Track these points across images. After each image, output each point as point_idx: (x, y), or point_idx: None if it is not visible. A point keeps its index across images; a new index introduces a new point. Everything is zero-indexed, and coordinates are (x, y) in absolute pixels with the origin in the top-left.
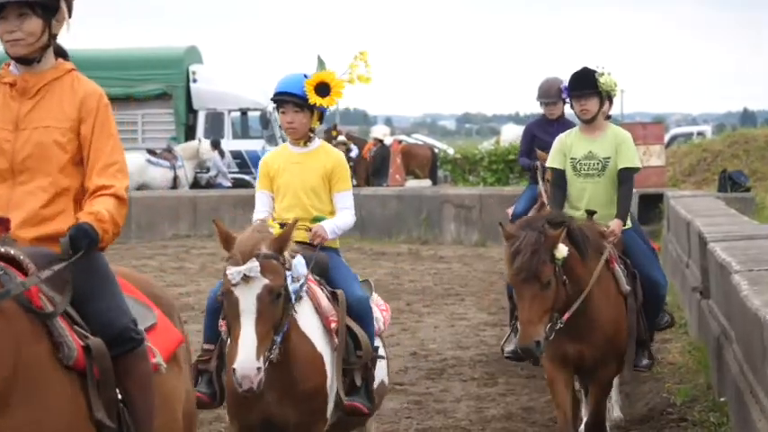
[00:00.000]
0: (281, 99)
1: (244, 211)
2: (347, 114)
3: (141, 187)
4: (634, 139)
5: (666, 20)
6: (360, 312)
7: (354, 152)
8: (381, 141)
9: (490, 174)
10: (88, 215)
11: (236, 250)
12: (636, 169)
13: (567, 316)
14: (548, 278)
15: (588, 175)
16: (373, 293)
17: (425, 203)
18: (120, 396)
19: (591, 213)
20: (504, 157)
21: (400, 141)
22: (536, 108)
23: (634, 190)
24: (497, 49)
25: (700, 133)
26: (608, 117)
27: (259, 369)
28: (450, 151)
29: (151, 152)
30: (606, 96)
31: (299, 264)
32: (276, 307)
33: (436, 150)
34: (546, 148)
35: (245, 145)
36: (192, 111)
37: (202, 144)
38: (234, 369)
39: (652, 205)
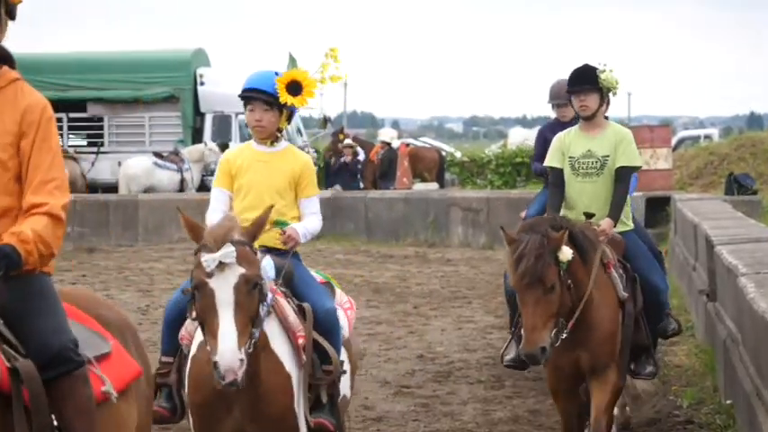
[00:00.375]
0: (250, 96)
1: None
2: (354, 117)
3: (148, 190)
4: (641, 142)
5: (675, 22)
6: (328, 326)
7: (361, 155)
8: (389, 144)
9: (497, 177)
10: (11, 236)
11: (209, 237)
12: (635, 168)
13: (571, 323)
14: (552, 282)
15: (587, 174)
16: (337, 291)
17: (432, 206)
18: (56, 422)
19: (589, 216)
20: (511, 160)
21: (408, 144)
22: (543, 111)
23: (641, 193)
24: (505, 51)
25: (707, 136)
26: (606, 118)
27: (242, 361)
28: (458, 154)
29: (158, 155)
30: (606, 94)
31: (268, 265)
32: (253, 298)
33: (443, 153)
34: None
35: None
36: (199, 113)
37: (209, 147)
38: (216, 362)
39: (659, 208)
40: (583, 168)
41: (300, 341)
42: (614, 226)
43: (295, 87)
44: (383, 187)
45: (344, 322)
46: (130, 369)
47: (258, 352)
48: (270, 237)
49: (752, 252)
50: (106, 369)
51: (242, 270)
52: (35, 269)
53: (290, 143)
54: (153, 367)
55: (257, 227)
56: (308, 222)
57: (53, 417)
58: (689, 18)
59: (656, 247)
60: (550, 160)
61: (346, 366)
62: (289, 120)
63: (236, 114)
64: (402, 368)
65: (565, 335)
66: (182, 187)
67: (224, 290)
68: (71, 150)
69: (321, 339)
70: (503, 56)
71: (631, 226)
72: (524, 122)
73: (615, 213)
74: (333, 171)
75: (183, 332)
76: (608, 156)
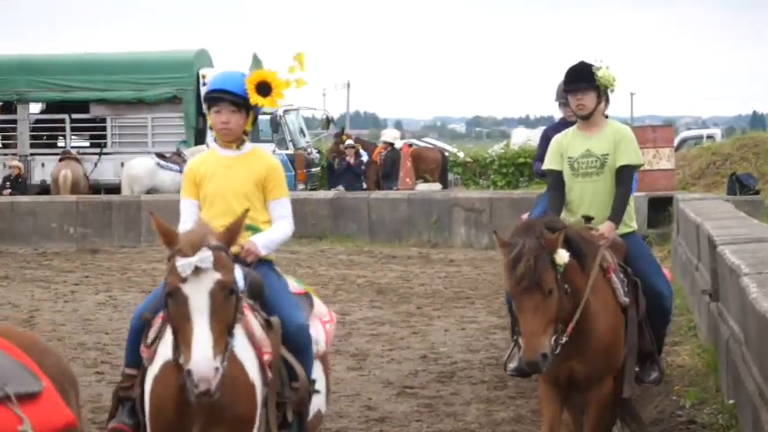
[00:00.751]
0: (217, 97)
1: None
2: (357, 118)
3: (151, 191)
4: (644, 142)
5: (678, 22)
6: (298, 343)
7: (364, 156)
8: (391, 145)
9: (500, 177)
10: None
11: (184, 242)
12: (636, 167)
13: (570, 327)
14: (550, 286)
15: (587, 174)
16: (315, 303)
17: (435, 207)
18: None
19: (588, 219)
20: (514, 161)
21: (410, 145)
22: (546, 111)
23: (643, 193)
24: (508, 52)
25: (709, 136)
26: (606, 117)
27: (217, 369)
28: (461, 154)
29: (161, 156)
30: (604, 92)
31: (238, 276)
32: (229, 305)
33: (446, 154)
34: None
35: None
36: (202, 114)
37: (211, 148)
38: (189, 371)
39: (661, 208)
40: (582, 168)
41: (266, 357)
42: (616, 229)
43: (265, 88)
44: (386, 188)
45: (321, 336)
46: (62, 416)
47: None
48: (234, 249)
49: (754, 252)
50: (30, 409)
51: (218, 276)
52: None
53: (255, 145)
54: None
55: (233, 232)
56: (274, 230)
57: None
58: (691, 18)
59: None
60: (549, 163)
61: (320, 385)
62: (254, 122)
63: None
64: (405, 369)
65: (564, 339)
66: None
67: (199, 296)
68: (74, 151)
69: (289, 357)
70: (505, 56)
71: (634, 227)
72: (527, 123)
73: (617, 216)
74: (336, 172)
75: (142, 346)
76: (608, 154)
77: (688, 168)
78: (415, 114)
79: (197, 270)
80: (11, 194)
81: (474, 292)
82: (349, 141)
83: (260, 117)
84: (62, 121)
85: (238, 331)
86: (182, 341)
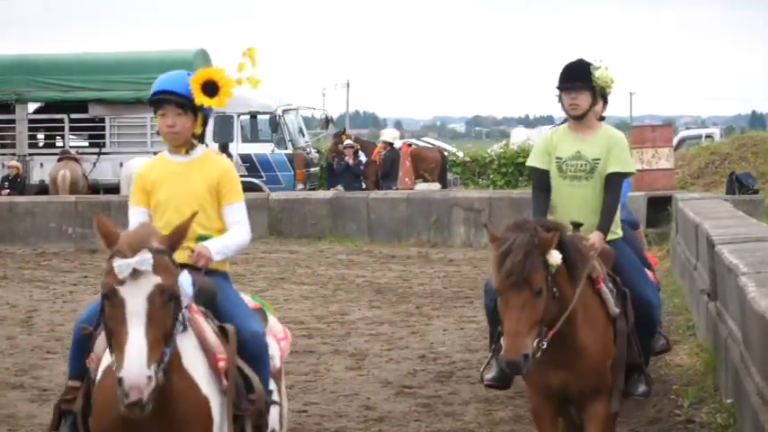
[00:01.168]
0: (162, 99)
1: (253, 214)
2: (357, 117)
3: None
4: (643, 141)
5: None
6: (254, 351)
7: (362, 157)
8: (391, 144)
9: (500, 177)
10: None
11: (123, 243)
12: (627, 175)
13: (552, 333)
14: (539, 285)
15: (575, 178)
16: (269, 319)
17: (435, 206)
18: None
19: (576, 225)
20: (513, 160)
21: (410, 144)
22: (546, 111)
23: (643, 192)
24: (507, 51)
25: (708, 136)
26: (601, 120)
27: (150, 378)
28: (460, 154)
29: None
30: (600, 93)
31: (185, 281)
32: (168, 311)
33: (446, 153)
34: None
35: (254, 148)
36: None
37: (209, 148)
38: (120, 378)
39: (661, 208)
40: (571, 171)
41: (221, 364)
42: (605, 239)
43: (211, 88)
44: (385, 187)
45: (276, 352)
46: None
47: (170, 373)
48: (185, 256)
49: (753, 251)
50: None
51: (158, 279)
52: None
53: (208, 148)
54: None
55: (178, 235)
56: (228, 236)
57: None
58: (691, 18)
59: (644, 256)
60: (535, 160)
61: (276, 396)
62: (204, 124)
63: (239, 115)
64: (404, 368)
65: (544, 345)
66: None
67: (136, 299)
68: (73, 151)
69: (245, 365)
70: (505, 56)
71: (620, 234)
72: (527, 122)
73: (605, 225)
74: (335, 172)
75: (91, 354)
76: (599, 159)
77: (687, 168)
78: (414, 114)
79: (135, 272)
80: (9, 194)
81: (473, 291)
82: (348, 141)
83: (259, 117)
84: (61, 120)
85: (188, 338)
86: (115, 346)
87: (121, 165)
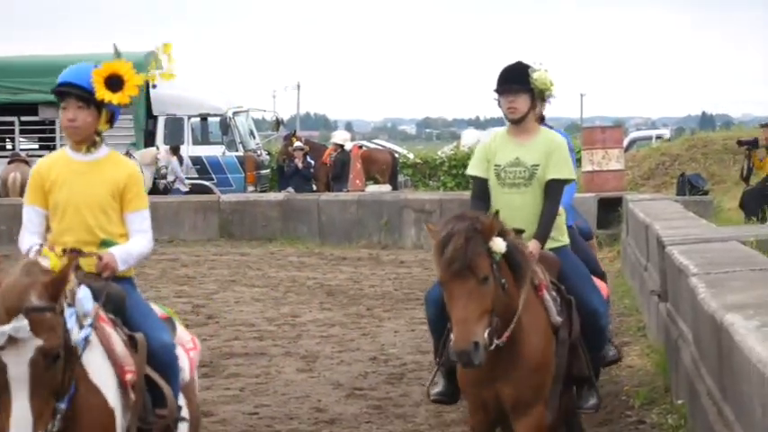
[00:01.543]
0: (64, 91)
1: (204, 216)
2: (308, 119)
3: None
4: (593, 143)
5: (628, 23)
6: (164, 361)
7: (308, 159)
8: (342, 146)
9: (450, 178)
10: None
11: None
12: (567, 182)
13: (507, 334)
14: (484, 273)
15: (514, 185)
16: (178, 329)
17: (386, 208)
18: None
19: (518, 232)
20: (464, 162)
21: (361, 146)
22: (497, 112)
23: (593, 194)
24: (458, 53)
25: (658, 137)
26: (542, 119)
27: None
28: (411, 156)
29: None
30: (539, 96)
31: (85, 297)
32: (54, 371)
33: (396, 155)
34: None
35: (205, 151)
36: (151, 116)
37: (161, 150)
38: None
39: (611, 209)
40: (509, 178)
41: (129, 377)
42: (542, 248)
43: (115, 82)
44: (336, 189)
45: (185, 364)
46: None
47: (76, 388)
48: (89, 263)
49: (703, 252)
50: None
51: (39, 342)
52: None
53: (113, 149)
54: None
55: (58, 286)
56: (133, 244)
57: None
58: (641, 19)
59: (601, 267)
60: (474, 168)
61: (185, 412)
62: (111, 121)
63: (189, 117)
64: (355, 370)
65: (499, 342)
66: None
67: (18, 365)
68: (23, 154)
69: (155, 376)
70: (455, 57)
71: (565, 241)
72: (477, 124)
73: (543, 233)
74: (286, 174)
75: None
76: (538, 165)
77: (637, 169)
78: (365, 116)
79: (12, 339)
80: None
81: (424, 293)
82: (297, 144)
83: (210, 119)
84: (11, 123)
85: (95, 350)
86: (3, 411)
87: None
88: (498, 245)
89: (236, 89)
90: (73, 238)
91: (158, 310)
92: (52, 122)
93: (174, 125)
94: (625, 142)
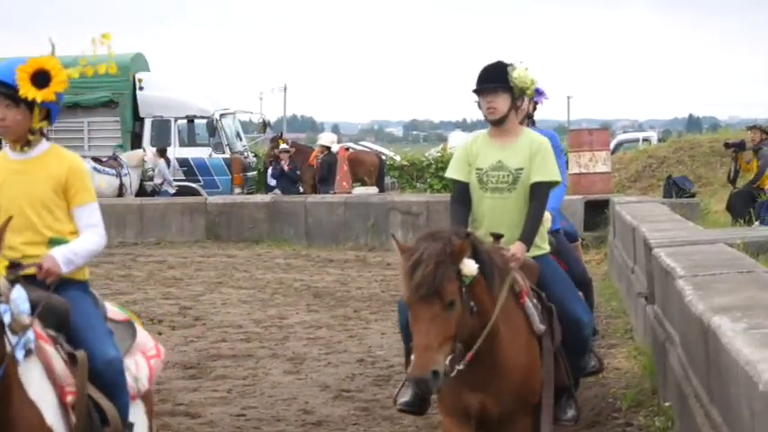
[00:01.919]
0: None
1: (191, 218)
2: (294, 121)
3: None
4: (580, 145)
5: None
6: (109, 380)
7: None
8: (328, 148)
9: (437, 180)
10: None
11: None
12: (553, 184)
13: (471, 354)
14: (451, 297)
15: (496, 189)
16: (139, 334)
17: (372, 210)
18: None
19: (497, 237)
20: None
21: (347, 148)
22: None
23: (580, 196)
24: (445, 55)
25: (645, 139)
26: (531, 120)
27: None
28: (398, 158)
29: (97, 160)
30: (519, 95)
31: (20, 297)
32: None
33: (383, 157)
34: None
35: (191, 152)
36: (138, 118)
37: (148, 152)
38: None
39: (598, 211)
40: (492, 182)
41: (69, 398)
42: (527, 251)
43: (42, 78)
44: (323, 191)
45: (144, 372)
46: None
47: (10, 400)
48: (34, 266)
49: (690, 254)
50: None
51: None
52: None
53: (53, 143)
54: None
55: None
56: (81, 242)
57: None
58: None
59: (588, 275)
60: (454, 172)
61: (141, 429)
62: (49, 119)
63: (176, 119)
64: (342, 372)
65: (461, 366)
66: (120, 192)
67: None
68: None
69: (98, 396)
70: (442, 60)
71: (546, 249)
72: (464, 126)
73: (528, 236)
74: (272, 176)
75: None
76: (522, 168)
77: (624, 171)
78: (352, 118)
79: None
80: None
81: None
82: (283, 146)
83: (196, 121)
84: None
85: (35, 367)
86: None
87: None
88: (469, 268)
89: (223, 91)
90: (20, 239)
91: (118, 312)
92: None
93: (161, 127)
94: (612, 144)
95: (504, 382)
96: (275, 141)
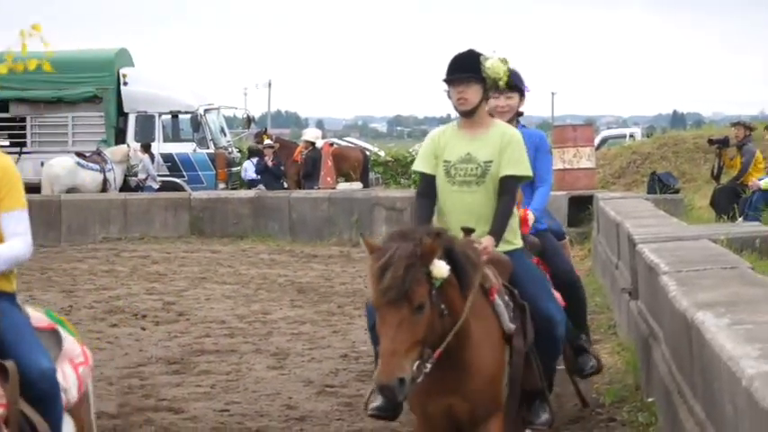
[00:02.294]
0: None
1: (175, 213)
2: (279, 117)
3: (71, 190)
4: (564, 141)
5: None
6: (41, 392)
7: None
8: (313, 144)
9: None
10: None
11: None
12: (522, 179)
13: (438, 352)
14: (420, 300)
15: (464, 183)
16: (65, 341)
17: (357, 206)
18: None
19: (468, 231)
20: None
21: (332, 144)
22: None
23: (564, 192)
24: (428, 51)
25: (630, 135)
26: (520, 115)
27: None
28: (382, 154)
29: (81, 155)
30: (492, 86)
31: None
32: None
33: (368, 153)
34: None
35: (175, 148)
36: (122, 114)
37: (132, 147)
38: None
39: (582, 207)
40: (460, 175)
41: (0, 411)
42: (496, 245)
43: None
44: (307, 187)
45: (72, 382)
46: None
47: None
48: None
49: (673, 250)
50: None
51: None
52: None
53: None
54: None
55: None
56: (4, 249)
57: None
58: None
59: (575, 274)
60: (420, 164)
61: None
62: None
63: (160, 114)
64: (326, 367)
65: (429, 366)
66: (104, 188)
67: None
68: None
69: (28, 410)
70: (426, 55)
71: (518, 245)
72: (448, 122)
73: (498, 229)
74: (255, 172)
75: None
76: (491, 161)
77: (608, 167)
78: (336, 114)
79: None
80: None
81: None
82: (267, 141)
83: (180, 116)
84: None
85: None
86: None
87: (42, 164)
88: (439, 270)
89: (208, 86)
90: None
91: (44, 318)
92: (23, 119)
93: (145, 122)
94: (596, 141)
95: (472, 382)
96: (260, 137)
